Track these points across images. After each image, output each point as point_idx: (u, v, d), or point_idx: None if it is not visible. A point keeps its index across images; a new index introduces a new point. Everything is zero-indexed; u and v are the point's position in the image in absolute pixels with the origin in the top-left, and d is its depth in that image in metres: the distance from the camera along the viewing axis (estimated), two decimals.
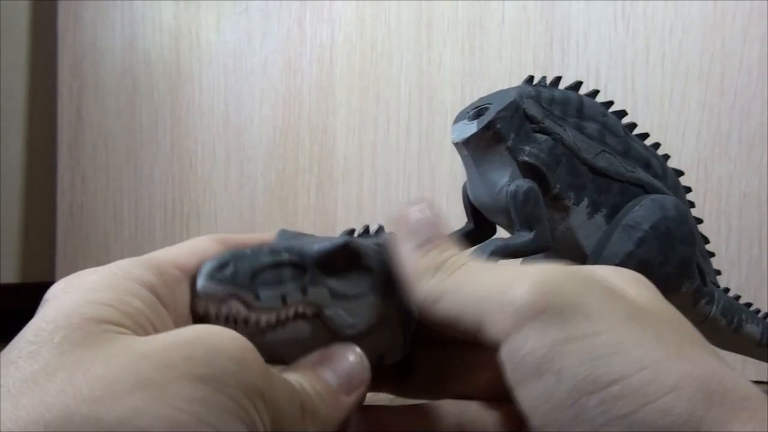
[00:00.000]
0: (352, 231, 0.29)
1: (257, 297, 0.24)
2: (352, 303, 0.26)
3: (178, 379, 0.18)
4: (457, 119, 0.41)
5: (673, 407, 0.19)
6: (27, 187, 1.14)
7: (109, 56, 1.05)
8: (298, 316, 0.25)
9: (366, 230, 0.30)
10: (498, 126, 0.39)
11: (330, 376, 0.24)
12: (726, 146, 0.74)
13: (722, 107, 0.74)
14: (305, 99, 0.94)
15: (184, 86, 1.01)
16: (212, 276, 0.23)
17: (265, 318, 0.24)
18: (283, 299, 0.24)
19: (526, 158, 0.39)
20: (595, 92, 0.43)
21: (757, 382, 0.73)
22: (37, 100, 1.14)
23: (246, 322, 0.23)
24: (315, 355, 0.24)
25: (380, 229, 0.29)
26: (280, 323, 0.24)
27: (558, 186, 0.39)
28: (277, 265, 0.24)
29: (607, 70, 0.78)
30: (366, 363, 0.25)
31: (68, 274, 0.23)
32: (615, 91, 0.77)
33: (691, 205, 0.46)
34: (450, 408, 0.27)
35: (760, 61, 0.72)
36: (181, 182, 1.01)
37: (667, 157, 0.45)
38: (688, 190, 0.46)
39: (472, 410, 0.27)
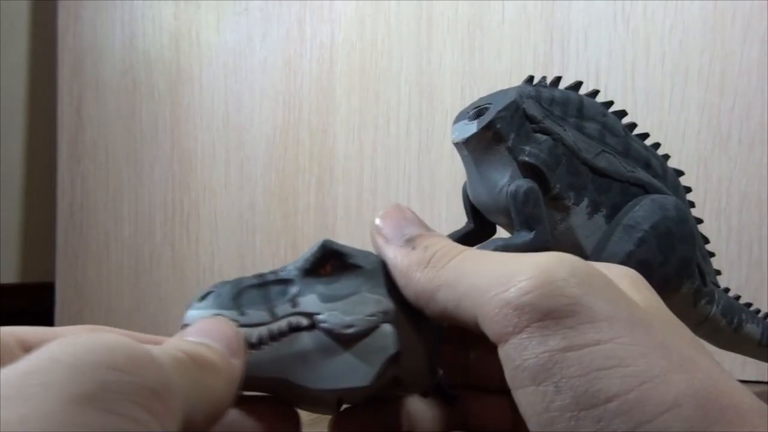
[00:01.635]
0: None
1: (242, 313, 0.23)
2: (345, 302, 0.25)
3: (50, 414, 0.15)
4: (457, 119, 0.41)
5: (669, 427, 0.18)
6: (27, 187, 1.14)
7: (109, 56, 1.05)
8: (293, 329, 0.24)
9: None
10: (498, 126, 0.39)
11: (210, 341, 0.21)
12: (726, 146, 0.74)
13: (722, 107, 0.74)
14: (305, 99, 0.94)
15: (184, 86, 1.01)
16: (194, 305, 0.23)
17: (255, 333, 0.23)
18: (272, 312, 0.24)
19: (526, 158, 0.39)
20: (595, 92, 0.43)
21: (757, 382, 0.73)
22: (37, 100, 1.14)
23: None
24: (187, 331, 0.22)
25: None
26: (274, 338, 0.23)
27: (558, 186, 0.39)
28: (262, 285, 0.24)
29: (607, 70, 0.78)
30: (237, 329, 0.22)
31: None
32: (615, 91, 0.77)
33: (691, 205, 0.46)
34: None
35: (760, 61, 0.72)
36: (181, 182, 1.01)
37: (667, 157, 0.45)
38: (688, 190, 0.46)
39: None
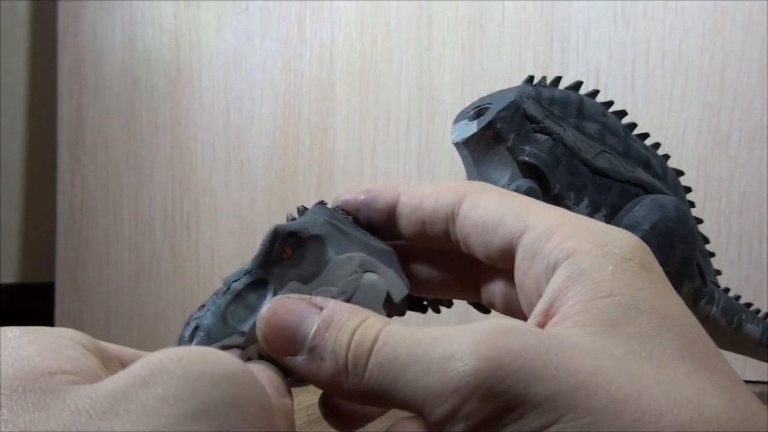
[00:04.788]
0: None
1: (243, 334, 0.23)
2: (326, 274, 0.25)
3: (170, 425, 0.16)
4: (457, 119, 0.41)
5: None
6: (27, 187, 1.14)
7: (109, 56, 1.05)
8: None
9: (292, 217, 0.28)
10: (498, 126, 0.39)
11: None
12: (726, 146, 0.74)
13: (722, 107, 0.74)
14: (305, 99, 0.94)
15: (184, 86, 1.00)
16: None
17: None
18: None
19: (526, 158, 0.39)
20: (595, 92, 0.43)
21: (757, 382, 0.73)
22: (37, 100, 1.14)
23: (249, 359, 0.23)
24: None
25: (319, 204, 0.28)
26: None
27: (558, 186, 0.39)
28: (238, 297, 0.24)
29: (607, 70, 0.78)
30: (278, 372, 0.22)
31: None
32: (615, 91, 0.77)
33: (691, 205, 0.46)
34: None
35: (760, 61, 0.72)
36: (181, 182, 1.01)
37: (667, 157, 0.45)
38: (688, 190, 0.46)
39: None
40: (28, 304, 1.09)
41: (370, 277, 0.25)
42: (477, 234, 0.25)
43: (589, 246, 0.22)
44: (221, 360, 0.17)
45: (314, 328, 0.22)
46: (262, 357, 0.23)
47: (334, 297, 0.24)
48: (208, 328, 0.23)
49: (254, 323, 0.23)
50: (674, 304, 0.22)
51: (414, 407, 0.20)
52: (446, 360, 0.19)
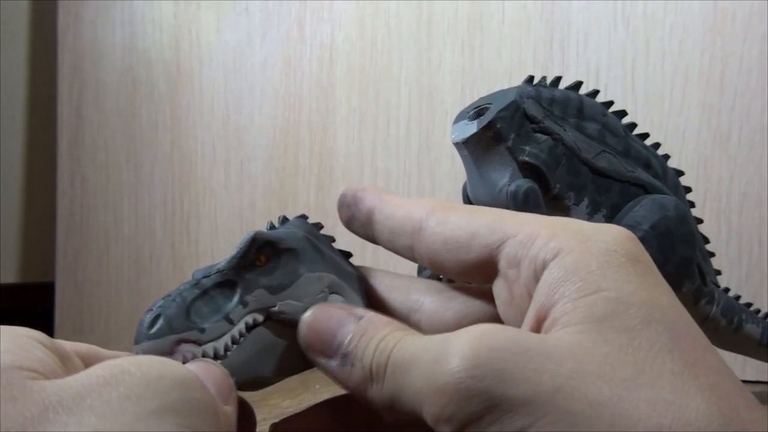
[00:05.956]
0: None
1: (202, 330, 0.23)
2: (294, 288, 0.25)
3: (137, 421, 0.17)
4: (457, 119, 0.41)
5: None
6: (27, 187, 1.14)
7: (109, 56, 1.05)
8: (251, 327, 0.24)
9: (272, 226, 0.29)
10: (498, 126, 0.39)
11: None
12: (726, 146, 0.74)
13: (722, 107, 0.74)
14: (305, 99, 0.94)
15: (184, 86, 1.00)
16: (148, 335, 0.23)
17: (222, 344, 0.23)
18: (228, 319, 0.24)
19: (526, 158, 0.39)
20: (595, 92, 0.43)
21: (757, 382, 0.73)
22: (37, 100, 1.14)
23: (204, 356, 0.23)
24: None
25: (284, 220, 0.29)
26: (236, 342, 0.24)
27: (558, 186, 0.39)
28: (205, 293, 0.24)
29: (607, 70, 0.78)
30: (226, 372, 0.23)
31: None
32: (615, 91, 0.77)
33: (691, 205, 0.46)
34: None
35: (760, 61, 0.72)
36: (181, 182, 1.01)
37: (667, 157, 0.45)
38: (688, 190, 0.46)
39: None
40: (28, 304, 1.09)
41: (335, 298, 0.26)
42: (447, 250, 0.24)
43: (573, 243, 0.22)
44: (175, 366, 0.19)
45: (349, 336, 0.23)
46: (217, 357, 0.24)
47: (297, 312, 0.25)
48: (170, 318, 0.23)
49: (215, 322, 0.24)
50: (662, 294, 0.21)
51: (416, 411, 0.20)
52: (437, 360, 0.20)
